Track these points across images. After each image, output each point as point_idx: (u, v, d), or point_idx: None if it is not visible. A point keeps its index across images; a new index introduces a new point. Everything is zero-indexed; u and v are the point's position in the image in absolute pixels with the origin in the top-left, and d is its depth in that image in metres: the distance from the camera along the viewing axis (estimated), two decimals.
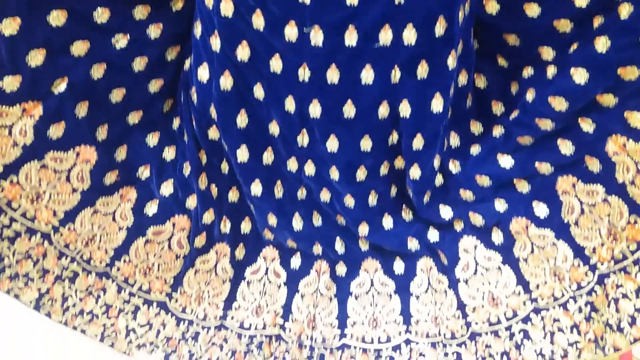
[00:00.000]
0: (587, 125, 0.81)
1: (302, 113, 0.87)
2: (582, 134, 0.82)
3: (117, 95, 0.88)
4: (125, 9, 0.84)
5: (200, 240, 1.01)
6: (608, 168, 0.81)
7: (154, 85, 0.92)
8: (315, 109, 0.85)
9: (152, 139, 0.96)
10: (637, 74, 0.73)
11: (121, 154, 0.93)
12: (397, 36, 0.77)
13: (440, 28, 0.77)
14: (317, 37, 0.78)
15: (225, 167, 0.98)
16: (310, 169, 0.95)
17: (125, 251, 0.96)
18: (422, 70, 0.81)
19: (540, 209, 0.89)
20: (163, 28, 0.87)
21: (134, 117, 0.92)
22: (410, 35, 0.77)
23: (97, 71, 0.84)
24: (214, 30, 0.81)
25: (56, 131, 0.85)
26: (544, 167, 0.87)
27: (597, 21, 0.75)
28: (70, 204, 0.90)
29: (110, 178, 0.93)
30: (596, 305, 0.85)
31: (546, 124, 0.83)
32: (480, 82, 0.92)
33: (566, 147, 0.84)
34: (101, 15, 0.81)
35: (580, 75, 0.76)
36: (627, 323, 0.82)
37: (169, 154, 0.97)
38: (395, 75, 0.82)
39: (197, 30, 0.85)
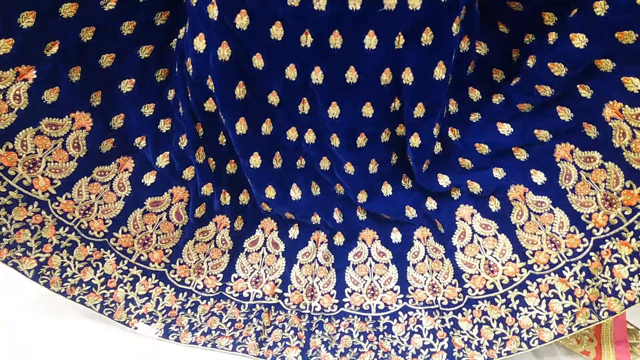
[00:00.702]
0: (585, 92, 0.81)
1: (304, 80, 0.86)
2: (580, 100, 0.82)
3: (107, 60, 0.87)
4: None
5: (199, 211, 1.01)
6: (605, 134, 0.81)
7: (144, 51, 0.91)
8: (317, 76, 0.85)
9: (148, 110, 0.95)
10: (635, 37, 0.73)
11: (117, 122, 0.93)
12: (402, 1, 0.76)
13: None
14: (320, 1, 0.76)
15: (222, 139, 0.98)
16: (310, 137, 0.95)
17: (123, 222, 0.96)
18: (427, 37, 0.81)
19: (538, 177, 0.89)
20: None
21: (126, 85, 0.91)
22: (415, 0, 0.76)
23: (87, 34, 0.83)
24: None
25: (50, 96, 0.84)
26: (543, 134, 0.87)
27: None
28: (66, 171, 0.89)
29: (107, 146, 0.92)
30: (591, 270, 0.85)
31: (545, 90, 0.83)
32: (481, 48, 0.91)
33: (565, 113, 0.84)
34: None
35: (579, 40, 0.76)
36: (622, 287, 0.83)
37: (164, 126, 0.97)
38: (399, 41, 0.81)
39: None
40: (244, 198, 1.04)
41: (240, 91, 0.88)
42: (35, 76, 0.81)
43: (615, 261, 0.83)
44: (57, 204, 0.90)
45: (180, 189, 0.99)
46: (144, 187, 0.97)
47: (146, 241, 0.99)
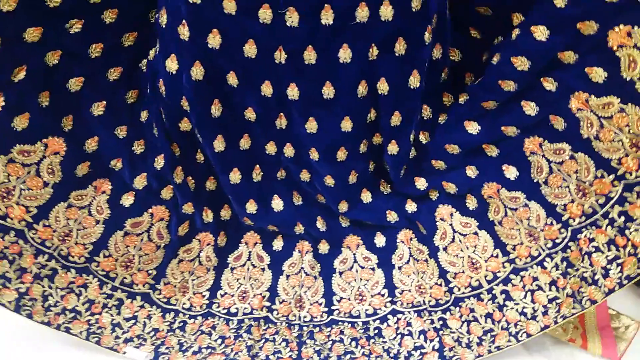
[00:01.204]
0: (549, 84, 0.82)
1: (280, 97, 0.86)
2: (545, 94, 0.82)
3: (75, 84, 0.86)
4: None
5: (183, 229, 1.00)
6: (572, 125, 0.82)
7: (113, 74, 0.90)
8: (293, 92, 0.85)
9: (121, 132, 0.94)
10: (596, 28, 0.74)
11: (91, 145, 0.91)
12: (374, 13, 0.77)
13: (416, 2, 0.78)
14: (292, 17, 0.77)
15: (200, 157, 0.98)
16: (289, 151, 0.95)
17: (104, 245, 0.95)
18: (400, 47, 0.82)
19: (510, 172, 0.90)
20: (118, 13, 0.85)
21: (97, 108, 0.90)
22: (387, 11, 0.77)
23: (53, 58, 0.82)
24: (182, 19, 0.80)
25: (21, 122, 0.82)
26: (510, 130, 0.88)
27: None
28: (42, 198, 0.88)
29: (82, 170, 0.91)
30: (571, 260, 0.86)
31: (509, 85, 0.84)
32: (455, 55, 0.92)
33: (530, 108, 0.85)
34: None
35: (540, 33, 0.77)
36: (601, 275, 0.84)
37: (138, 147, 0.96)
38: (373, 52, 0.82)
39: (163, 19, 0.83)
40: (225, 214, 1.04)
41: (216, 109, 0.88)
42: (4, 103, 0.79)
43: (593, 250, 0.84)
44: (34, 232, 0.89)
45: (160, 208, 0.99)
46: (123, 209, 0.96)
47: (129, 263, 0.98)
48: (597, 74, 0.77)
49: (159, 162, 0.95)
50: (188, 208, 0.99)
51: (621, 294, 0.87)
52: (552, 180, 0.86)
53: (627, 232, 0.81)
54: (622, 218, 0.81)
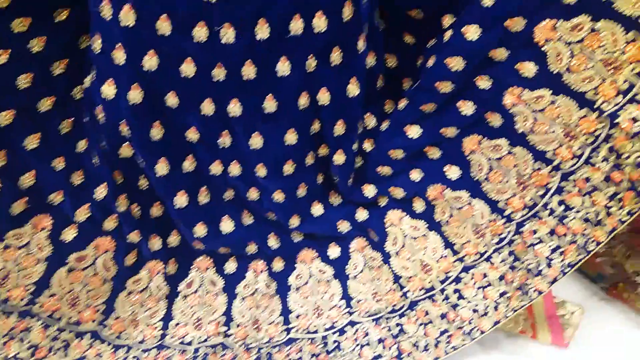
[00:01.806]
0: (484, 83, 0.85)
1: (222, 114, 0.85)
2: (480, 92, 0.86)
3: (6, 117, 0.82)
4: (2, 23, 0.78)
5: (130, 259, 0.96)
6: (508, 121, 0.85)
7: (45, 104, 0.86)
8: (235, 108, 0.84)
9: (59, 164, 0.90)
10: (524, 23, 0.78)
11: (28, 180, 0.87)
12: (308, 24, 0.78)
13: (347, 11, 0.79)
14: (228, 34, 0.77)
15: (143, 183, 0.94)
16: (235, 169, 0.94)
17: (46, 284, 0.90)
18: (336, 57, 0.83)
19: (452, 172, 0.93)
20: (47, 40, 0.82)
21: (31, 141, 0.86)
22: (320, 22, 0.78)
23: None
24: (116, 43, 0.78)
25: None
26: (449, 132, 0.91)
27: None
28: None
29: (19, 207, 0.86)
30: (517, 254, 0.90)
31: (446, 86, 0.86)
32: (392, 61, 0.95)
33: (467, 107, 0.88)
34: None
35: (472, 32, 0.80)
36: (545, 265, 0.88)
37: (77, 179, 0.92)
38: (311, 64, 0.83)
39: (96, 44, 0.81)
40: (173, 240, 1.00)
41: (156, 132, 0.86)
42: None
43: (537, 241, 0.88)
44: None
45: (105, 239, 0.94)
46: (65, 244, 0.91)
47: (75, 301, 0.92)
48: (527, 69, 0.81)
49: (101, 191, 0.92)
50: (134, 237, 0.95)
51: (565, 282, 0.91)
52: (493, 176, 0.90)
53: (566, 220, 0.86)
54: (562, 207, 0.85)
